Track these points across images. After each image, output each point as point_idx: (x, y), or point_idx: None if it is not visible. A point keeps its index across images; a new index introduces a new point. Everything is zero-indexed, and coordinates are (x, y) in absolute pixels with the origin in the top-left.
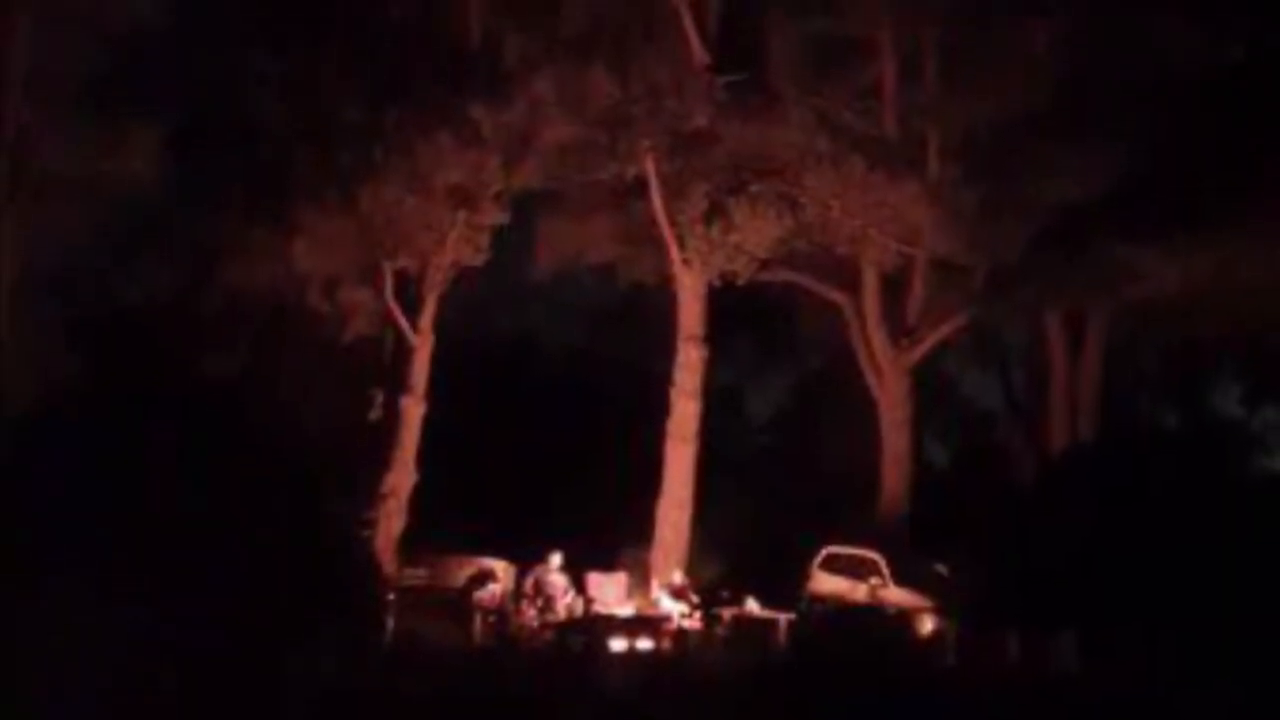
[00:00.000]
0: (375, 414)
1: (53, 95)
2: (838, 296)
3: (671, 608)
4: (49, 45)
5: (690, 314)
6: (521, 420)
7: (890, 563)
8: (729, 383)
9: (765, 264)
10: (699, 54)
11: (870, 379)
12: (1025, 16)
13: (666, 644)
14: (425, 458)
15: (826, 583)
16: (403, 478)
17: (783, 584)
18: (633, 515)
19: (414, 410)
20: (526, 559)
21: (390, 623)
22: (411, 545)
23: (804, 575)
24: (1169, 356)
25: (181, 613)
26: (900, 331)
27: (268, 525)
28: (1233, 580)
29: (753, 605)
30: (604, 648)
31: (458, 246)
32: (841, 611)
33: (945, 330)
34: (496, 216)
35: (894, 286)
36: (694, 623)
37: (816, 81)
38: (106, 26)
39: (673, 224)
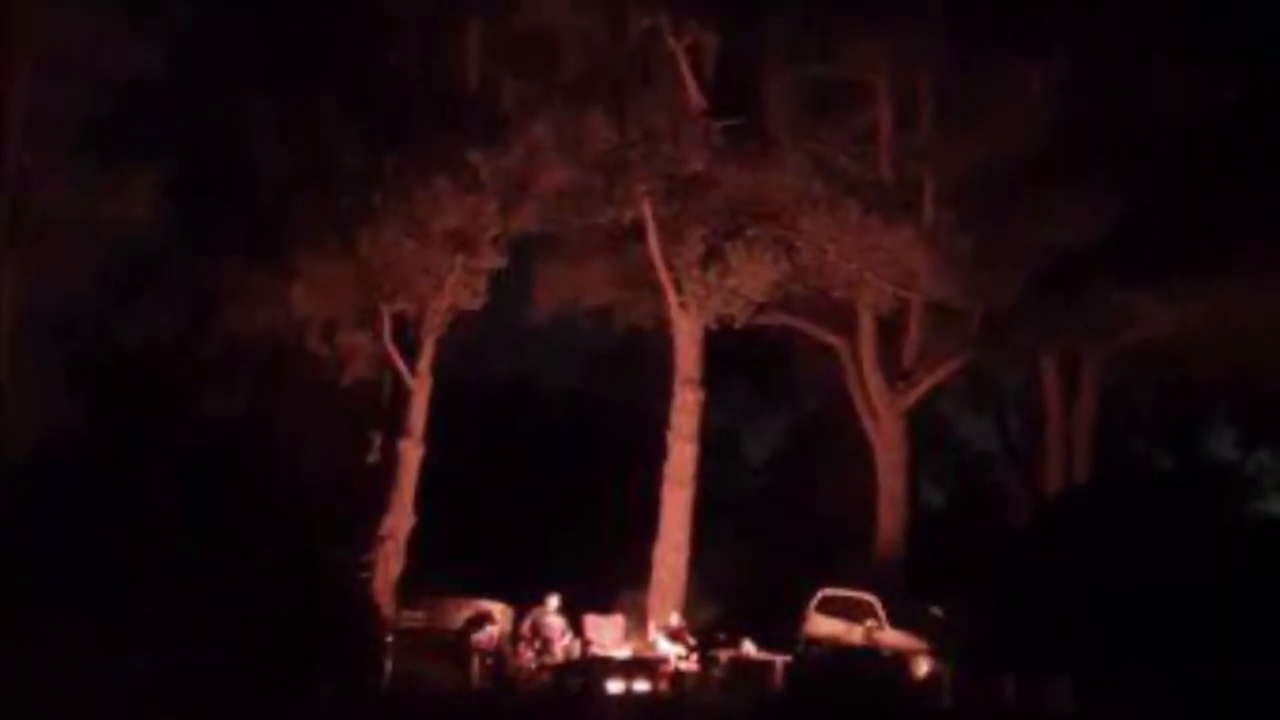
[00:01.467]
0: (373, 457)
1: (53, 140)
2: (834, 340)
3: (668, 650)
4: (49, 90)
5: (687, 357)
6: (519, 463)
7: (886, 605)
8: (725, 426)
9: (761, 307)
10: (696, 99)
11: (866, 422)
12: (1020, 62)
13: (663, 686)
14: (423, 500)
15: (823, 625)
16: (401, 520)
17: (779, 626)
18: (630, 558)
19: (412, 453)
20: (524, 601)
21: (388, 664)
22: (409, 587)
23: (800, 617)
24: (1164, 400)
25: (181, 654)
26: (896, 375)
27: (267, 568)
28: (1228, 623)
29: (749, 647)
30: (601, 689)
31: (455, 290)
32: (838, 653)
33: (941, 374)
34: (494, 260)
35: (890, 330)
36: (691, 665)
37: (812, 126)
38: (106, 71)
39: (669, 268)
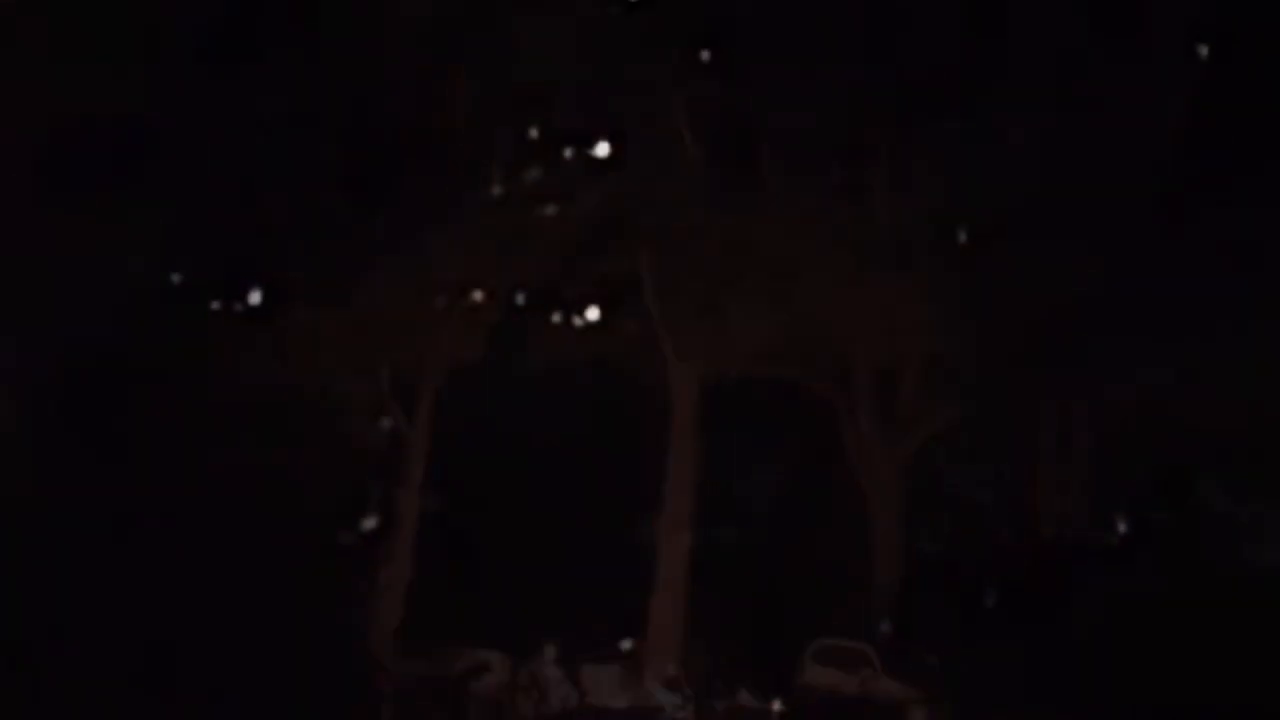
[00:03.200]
0: (372, 507)
1: None
2: (829, 392)
3: (665, 699)
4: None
5: (684, 408)
6: (516, 513)
7: (881, 654)
8: (722, 476)
9: (758, 359)
10: (693, 151)
11: (862, 473)
12: (1015, 113)
13: None
14: (421, 550)
15: (819, 674)
16: (399, 570)
17: (775, 675)
18: (626, 607)
19: (410, 503)
20: (521, 651)
21: (385, 715)
22: (407, 637)
23: (796, 666)
24: (1159, 450)
25: (177, 703)
26: (892, 426)
27: (266, 618)
28: (1224, 671)
29: (745, 697)
30: None
31: (453, 341)
32: (833, 703)
33: (937, 425)
34: (491, 312)
35: (886, 382)
36: (687, 714)
37: (809, 179)
38: (100, 119)
39: (666, 319)
